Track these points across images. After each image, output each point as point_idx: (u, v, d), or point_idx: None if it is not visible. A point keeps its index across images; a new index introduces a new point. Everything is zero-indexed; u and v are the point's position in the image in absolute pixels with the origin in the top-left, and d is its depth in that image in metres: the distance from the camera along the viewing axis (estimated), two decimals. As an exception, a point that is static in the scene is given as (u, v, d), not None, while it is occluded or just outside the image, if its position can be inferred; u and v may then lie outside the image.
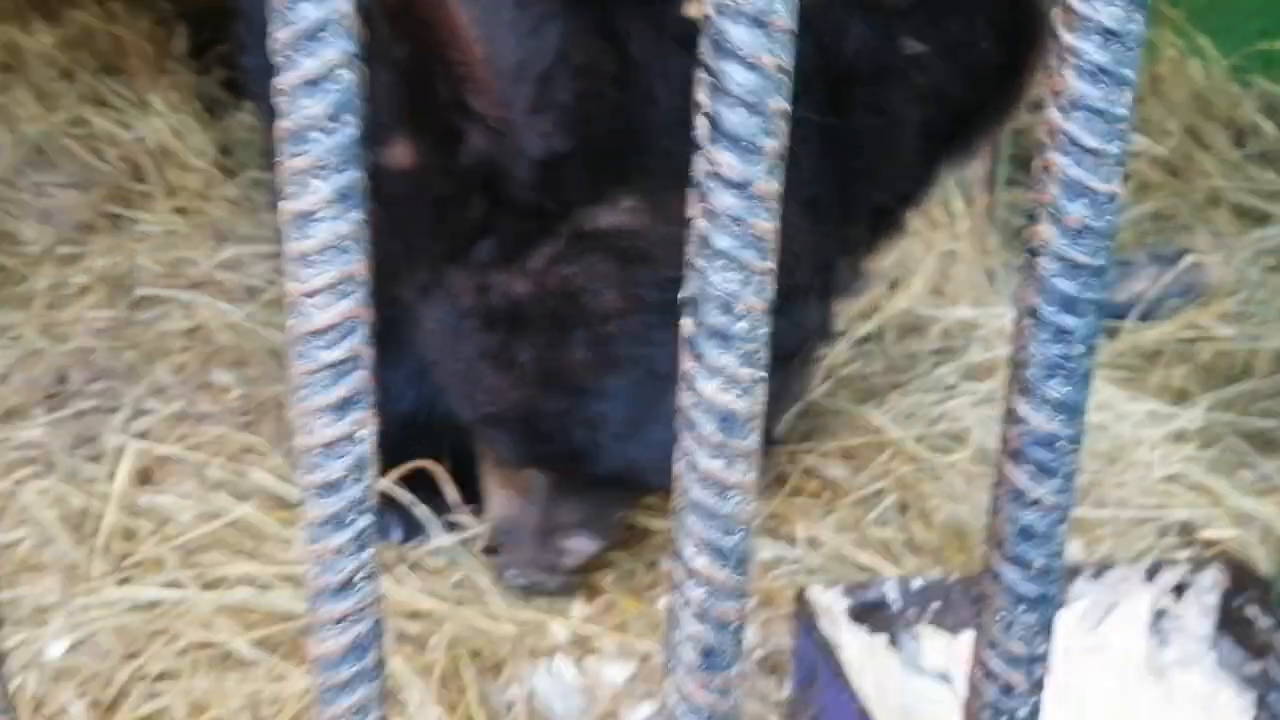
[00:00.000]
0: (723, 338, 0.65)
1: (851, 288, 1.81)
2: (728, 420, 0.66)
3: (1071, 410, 0.70)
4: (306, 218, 0.61)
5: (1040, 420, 0.70)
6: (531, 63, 1.39)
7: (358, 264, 0.62)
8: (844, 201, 1.60)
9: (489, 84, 1.38)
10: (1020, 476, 0.71)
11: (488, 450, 1.85)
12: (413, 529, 1.95)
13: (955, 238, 2.73)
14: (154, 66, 3.17)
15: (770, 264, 0.65)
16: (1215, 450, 2.30)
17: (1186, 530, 2.09)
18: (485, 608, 1.81)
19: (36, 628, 1.74)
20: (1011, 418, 0.71)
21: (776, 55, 0.61)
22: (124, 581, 1.83)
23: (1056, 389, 0.69)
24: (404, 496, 1.93)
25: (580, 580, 1.87)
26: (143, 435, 2.13)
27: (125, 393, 2.24)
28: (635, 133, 1.47)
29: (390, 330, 1.90)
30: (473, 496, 1.96)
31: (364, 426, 0.65)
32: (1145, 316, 2.83)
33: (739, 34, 0.60)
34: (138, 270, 2.59)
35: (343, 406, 0.64)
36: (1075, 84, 0.65)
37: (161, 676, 1.68)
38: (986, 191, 2.81)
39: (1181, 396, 2.51)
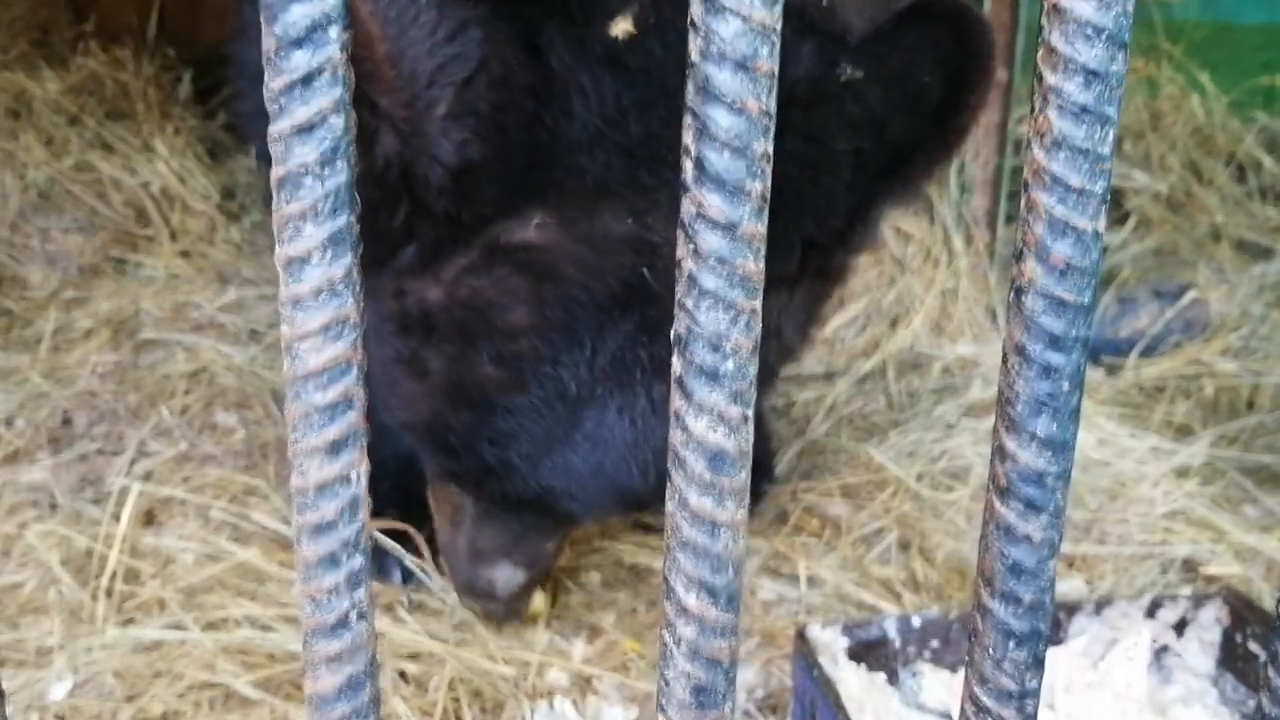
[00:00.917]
0: (711, 376, 0.66)
1: (786, 338, 1.73)
2: (717, 458, 0.67)
3: (1059, 447, 0.70)
4: (300, 262, 0.62)
5: (1028, 457, 0.70)
6: (450, 69, 1.38)
7: (350, 307, 0.63)
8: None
9: (394, 83, 1.38)
10: (1009, 514, 0.72)
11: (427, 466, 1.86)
12: (411, 572, 1.95)
13: (956, 275, 2.75)
14: (159, 112, 3.21)
15: (757, 303, 0.66)
16: (1218, 486, 2.30)
17: (1189, 566, 2.08)
18: (486, 648, 1.81)
19: (39, 669, 1.74)
20: (1000, 454, 0.72)
21: (760, 99, 0.62)
22: (127, 623, 1.83)
23: (1044, 426, 0.70)
24: (395, 548, 1.93)
25: (524, 609, 1.86)
26: (146, 477, 2.13)
27: (129, 435, 2.25)
28: (550, 147, 1.46)
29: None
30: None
31: (357, 467, 0.66)
32: (1147, 352, 2.84)
33: (724, 79, 0.61)
34: (142, 314, 2.61)
35: (336, 448, 0.65)
36: (1058, 124, 0.66)
37: (164, 717, 1.68)
38: (987, 229, 2.82)
39: (1184, 432, 2.51)
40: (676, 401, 0.67)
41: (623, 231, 1.50)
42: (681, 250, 0.66)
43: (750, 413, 0.67)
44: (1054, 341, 0.69)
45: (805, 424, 2.43)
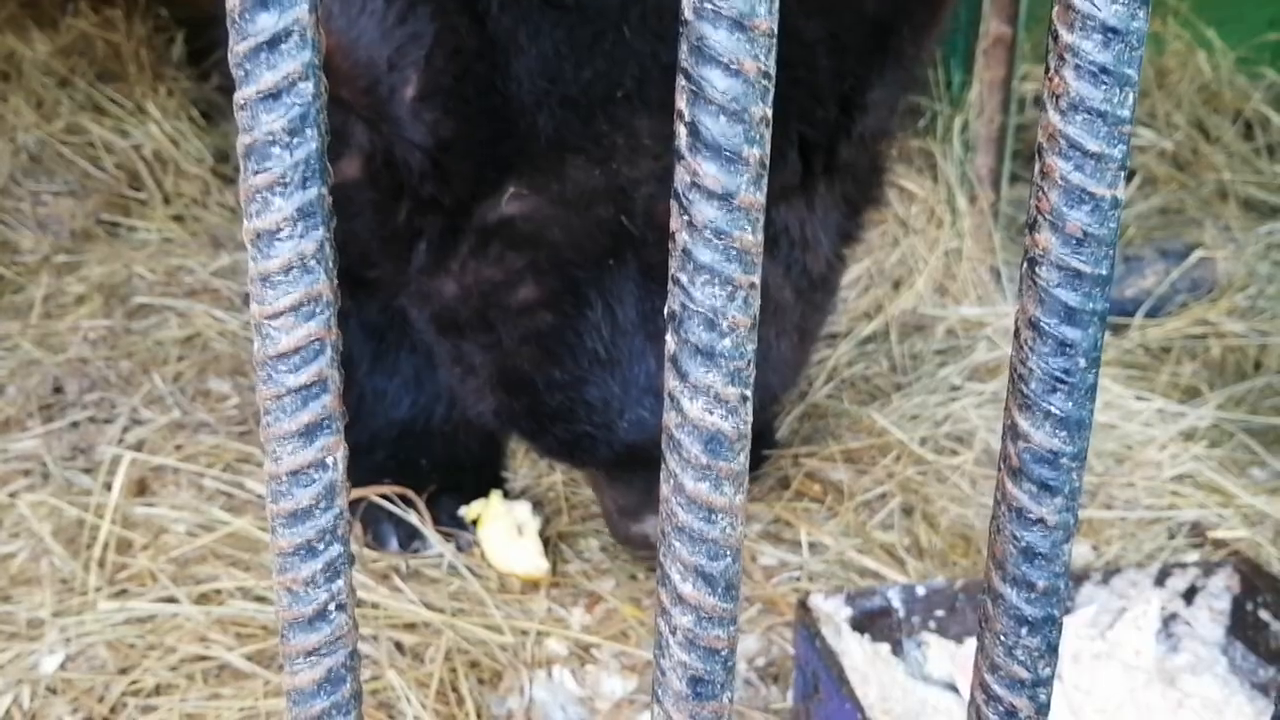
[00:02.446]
0: (707, 355, 0.62)
1: (825, 250, 1.65)
2: (714, 441, 0.63)
3: (1074, 426, 0.67)
4: (269, 236, 0.58)
5: (1042, 437, 0.67)
6: (408, 50, 1.35)
7: (323, 284, 0.59)
8: None
9: (350, 72, 1.35)
10: (1022, 495, 0.68)
11: None
12: (408, 537, 1.92)
13: (959, 236, 2.70)
14: (151, 74, 3.15)
15: (756, 278, 0.62)
16: (1225, 448, 2.27)
17: (1197, 530, 2.05)
18: (484, 618, 1.79)
19: (31, 641, 1.71)
20: (1012, 434, 0.68)
21: (759, 60, 0.58)
22: (118, 595, 1.80)
23: (1058, 405, 0.66)
24: (397, 508, 1.91)
25: None
26: (138, 446, 2.10)
27: (121, 403, 2.22)
28: (505, 112, 1.43)
29: (384, 337, 1.89)
30: (470, 498, 1.94)
31: (333, 452, 0.62)
32: (1153, 313, 2.80)
33: (719, 38, 0.57)
34: (134, 279, 2.57)
35: (310, 432, 0.62)
36: (1075, 85, 0.62)
37: (156, 690, 1.66)
38: (991, 189, 2.78)
39: (1191, 394, 2.48)
40: (671, 382, 0.64)
41: (593, 183, 1.47)
42: (675, 222, 0.62)
43: (749, 393, 0.64)
44: (1070, 315, 0.65)
45: (807, 387, 2.39)
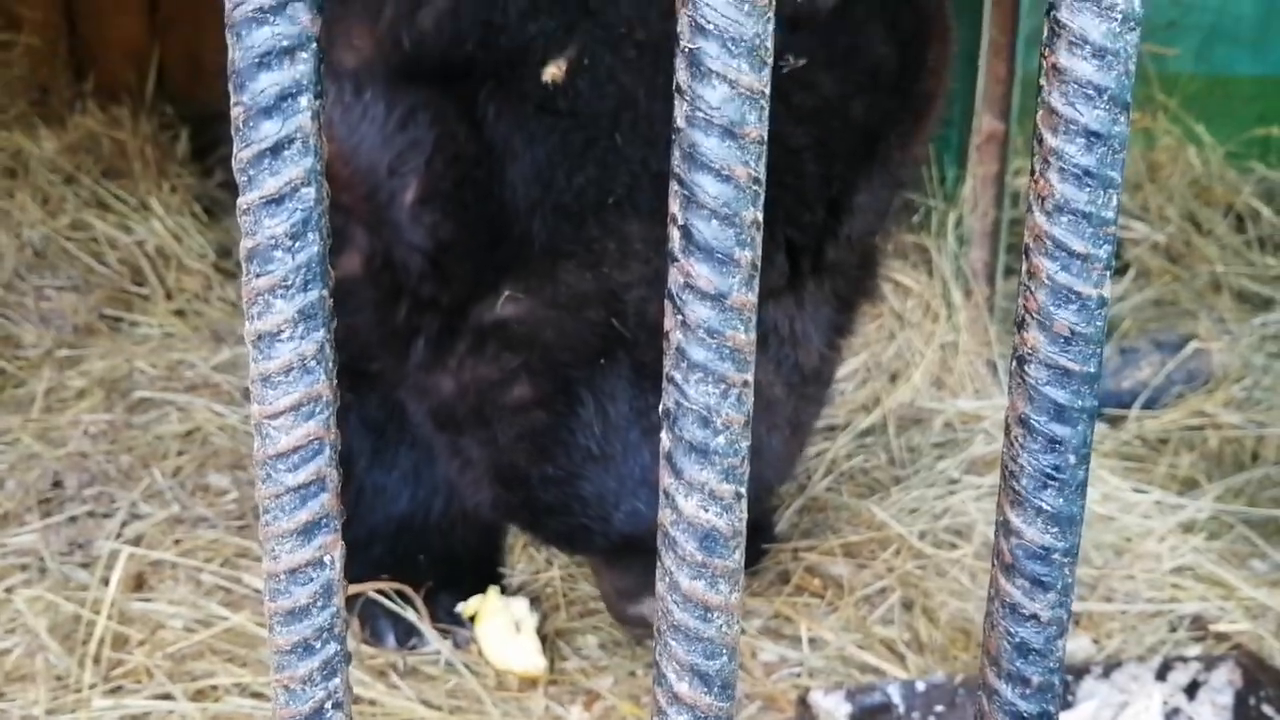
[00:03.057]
0: (701, 453, 0.63)
1: (814, 345, 1.66)
2: (709, 539, 0.64)
3: (1066, 522, 0.67)
4: (270, 338, 0.59)
5: (1034, 533, 0.67)
6: (408, 156, 1.39)
7: (323, 384, 0.60)
8: None
9: (350, 179, 1.38)
10: (1015, 591, 0.69)
11: None
12: (406, 633, 1.91)
13: (955, 329, 2.72)
14: (156, 170, 3.20)
15: (749, 375, 0.63)
16: (1225, 540, 2.26)
17: (1198, 624, 2.04)
18: (481, 716, 1.77)
19: (23, 741, 1.70)
20: (1005, 530, 0.69)
21: (749, 166, 0.60)
22: (114, 691, 1.79)
23: (1050, 501, 0.67)
24: (394, 604, 1.90)
25: None
26: (137, 540, 2.10)
27: (120, 497, 2.22)
28: (500, 217, 1.46)
29: (383, 432, 1.89)
30: (467, 594, 1.93)
31: (331, 550, 0.63)
32: (1150, 404, 2.80)
33: (711, 145, 0.59)
34: (135, 373, 2.59)
35: (308, 531, 0.62)
36: (1060, 187, 0.64)
37: (149, 792, 1.64)
38: (986, 283, 2.80)
39: (1189, 485, 2.48)
40: (666, 479, 0.64)
41: (584, 287, 1.50)
42: (669, 322, 0.63)
43: (743, 490, 0.64)
44: (1059, 413, 0.66)
45: (805, 481, 2.39)
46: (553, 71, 1.39)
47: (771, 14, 0.58)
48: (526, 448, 1.57)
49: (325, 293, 0.60)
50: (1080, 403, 0.66)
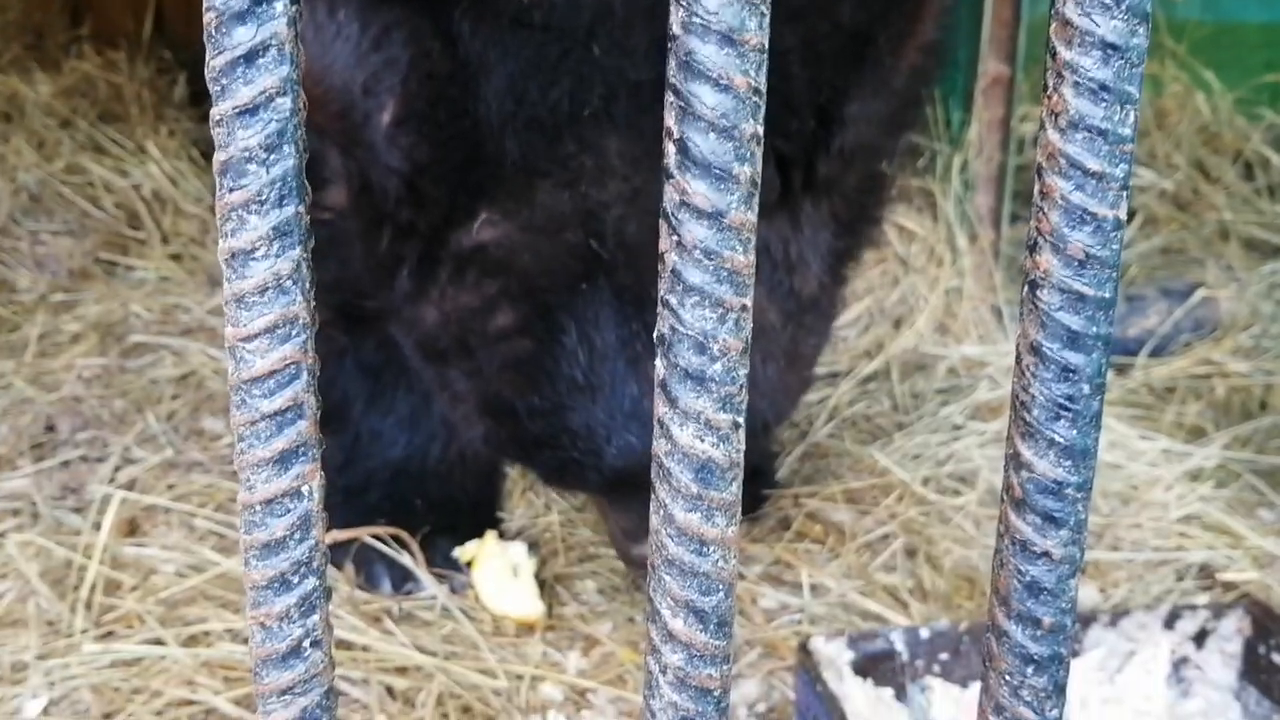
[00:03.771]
0: (697, 380, 0.60)
1: (814, 271, 1.61)
2: (705, 470, 0.61)
3: (1079, 455, 0.64)
4: (244, 256, 0.56)
5: (1046, 466, 0.64)
6: (383, 75, 1.35)
7: (299, 305, 0.57)
8: None
9: (323, 98, 1.35)
10: (1026, 528, 0.66)
11: None
12: (401, 579, 1.89)
13: (960, 274, 2.68)
14: (153, 114, 3.16)
15: (747, 299, 0.60)
16: (1232, 489, 2.24)
17: (1206, 572, 2.02)
18: (477, 661, 1.75)
19: (14, 685, 1.68)
20: (1015, 463, 0.66)
21: (749, 75, 0.56)
22: (105, 637, 1.77)
23: (1062, 432, 0.64)
24: (390, 549, 1.88)
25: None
26: (130, 485, 2.08)
27: (113, 442, 2.19)
28: (475, 136, 1.42)
29: (380, 376, 1.86)
30: (465, 539, 1.91)
31: (309, 480, 0.60)
32: (1157, 353, 2.77)
33: (709, 53, 0.55)
34: (131, 318, 2.56)
35: (285, 459, 0.59)
36: (1074, 102, 0.60)
37: (142, 736, 1.62)
38: (991, 227, 2.76)
39: (1196, 434, 2.45)
40: (660, 408, 0.61)
41: (560, 208, 1.46)
42: (664, 242, 0.60)
43: (741, 420, 0.61)
44: (1073, 339, 0.63)
45: (807, 426, 2.37)
46: None
47: (773, -89, 0.55)
48: (511, 377, 1.54)
49: (301, 208, 0.56)
50: (1095, 329, 0.63)
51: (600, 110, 1.40)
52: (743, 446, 0.62)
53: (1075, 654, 1.57)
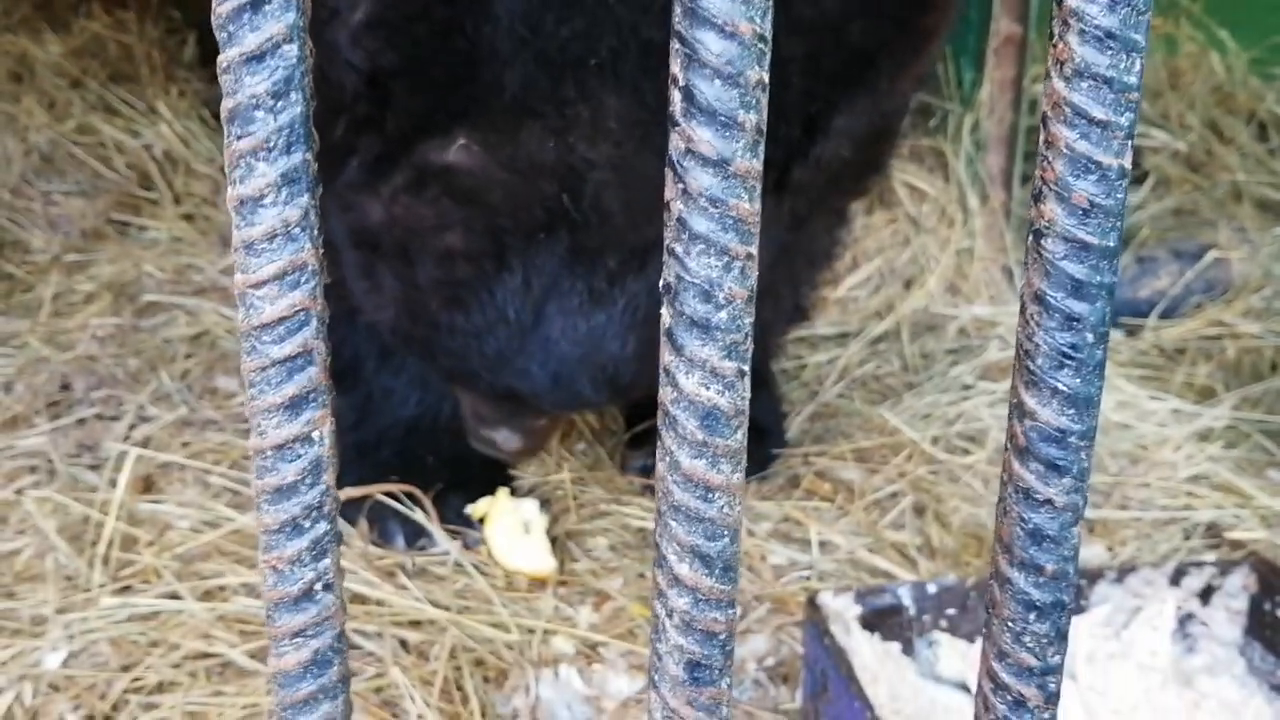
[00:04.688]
0: (703, 328, 0.60)
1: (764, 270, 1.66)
2: (710, 417, 0.61)
3: (1083, 403, 0.65)
4: (252, 203, 0.57)
5: (1049, 415, 0.65)
6: None
7: (308, 252, 0.58)
8: None
9: None
10: (1029, 476, 0.66)
11: None
12: (415, 534, 1.91)
13: (971, 235, 2.68)
14: (163, 74, 3.15)
15: (753, 248, 0.60)
16: (1241, 449, 2.24)
17: (1213, 531, 2.03)
18: (489, 616, 1.77)
19: (34, 638, 1.70)
20: (1019, 412, 0.66)
21: (754, 22, 0.56)
22: (122, 591, 1.79)
23: (1066, 381, 0.64)
24: (403, 506, 1.90)
25: (533, 454, 1.94)
26: (145, 443, 2.09)
27: (128, 400, 2.21)
28: (470, 57, 1.42)
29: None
30: (477, 496, 1.92)
31: (320, 426, 0.61)
32: (1168, 314, 2.77)
33: (714, 0, 0.56)
34: (144, 277, 2.57)
35: (295, 405, 0.60)
36: (1080, 50, 0.60)
37: (159, 688, 1.64)
38: (1003, 188, 2.75)
39: (1206, 395, 2.45)
40: (666, 356, 0.62)
41: (544, 157, 1.46)
42: (670, 190, 0.60)
43: (747, 367, 0.62)
44: (1077, 288, 0.63)
45: (817, 386, 2.37)
46: None
47: None
48: (443, 294, 1.58)
49: (309, 155, 0.57)
50: (1099, 278, 0.63)
51: (607, 63, 1.40)
52: (748, 395, 0.62)
53: (1081, 610, 1.59)
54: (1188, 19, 3.78)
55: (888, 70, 1.49)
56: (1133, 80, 0.61)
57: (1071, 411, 0.65)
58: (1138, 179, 3.48)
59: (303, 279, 0.58)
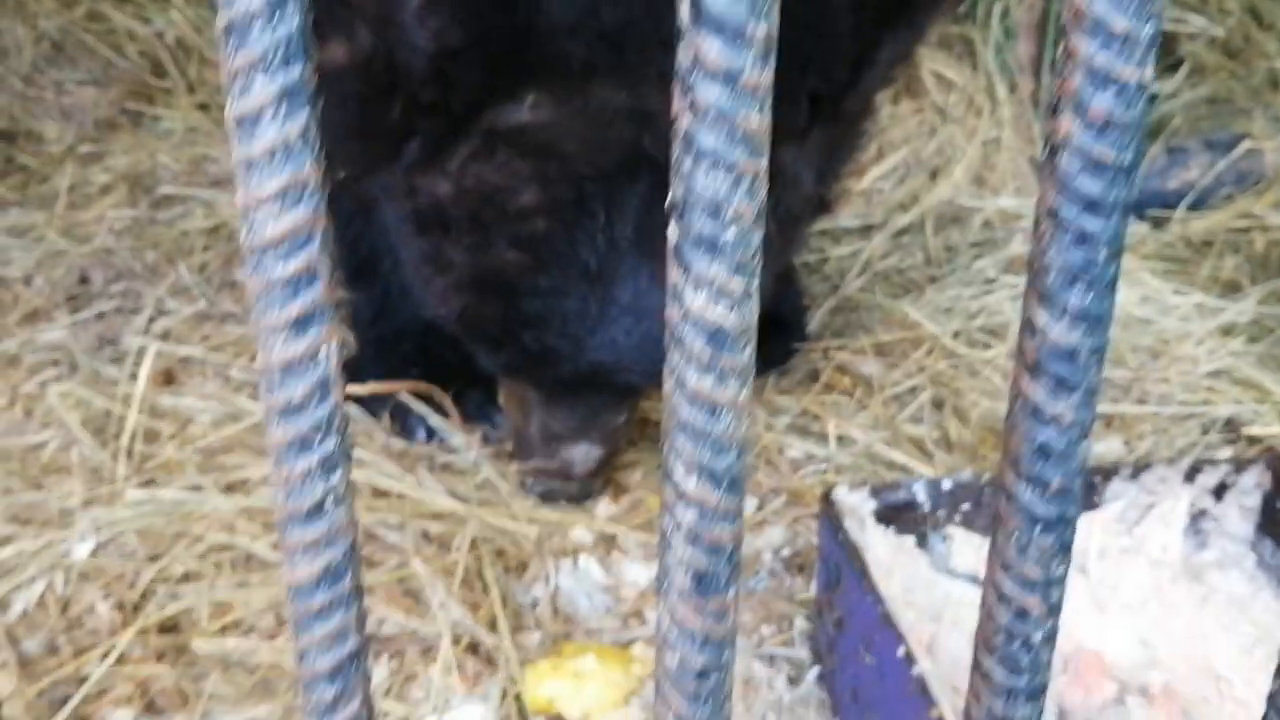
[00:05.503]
0: (711, 246, 0.60)
1: (804, 186, 1.67)
2: (718, 335, 0.61)
3: (1094, 321, 0.64)
4: (251, 120, 0.56)
5: (1060, 331, 0.64)
6: None
7: (309, 169, 0.57)
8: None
9: None
10: (1038, 391, 0.66)
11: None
12: (435, 431, 1.93)
13: (998, 125, 2.64)
14: (174, -42, 3.10)
15: (762, 163, 0.59)
16: (1265, 344, 2.23)
17: (1231, 426, 2.02)
18: (508, 508, 1.79)
19: (63, 529, 1.74)
20: (1029, 328, 0.66)
21: (764, -70, 0.54)
22: (147, 484, 1.82)
23: (1078, 297, 0.63)
24: (418, 406, 1.92)
25: (600, 483, 1.84)
26: (165, 336, 2.11)
27: (147, 293, 2.22)
28: (530, 29, 1.42)
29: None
30: (493, 392, 1.93)
31: (325, 344, 0.61)
32: (1196, 205, 2.73)
33: (722, -93, 0.54)
34: (159, 169, 2.56)
35: (301, 324, 0.60)
36: (1102, -42, 0.58)
37: (185, 578, 1.68)
38: (1032, 77, 2.70)
39: (1231, 288, 2.43)
40: (674, 274, 0.61)
41: (617, 104, 1.46)
42: (677, 104, 0.59)
43: (755, 286, 0.61)
44: (1091, 205, 0.62)
45: (839, 280, 2.36)
46: None
47: None
48: (519, 256, 1.54)
49: (309, 69, 0.56)
50: (1114, 195, 0.62)
51: (670, 39, 1.39)
52: (756, 311, 0.62)
53: (1094, 506, 1.59)
54: (1227, -103, 3.66)
55: (925, 4, 1.57)
56: (1156, -11, 0.59)
57: (1083, 327, 0.64)
58: (1172, 66, 3.40)
59: (305, 196, 0.58)
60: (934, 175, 2.61)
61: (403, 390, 1.93)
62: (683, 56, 0.58)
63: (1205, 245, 2.60)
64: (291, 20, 0.55)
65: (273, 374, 0.61)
